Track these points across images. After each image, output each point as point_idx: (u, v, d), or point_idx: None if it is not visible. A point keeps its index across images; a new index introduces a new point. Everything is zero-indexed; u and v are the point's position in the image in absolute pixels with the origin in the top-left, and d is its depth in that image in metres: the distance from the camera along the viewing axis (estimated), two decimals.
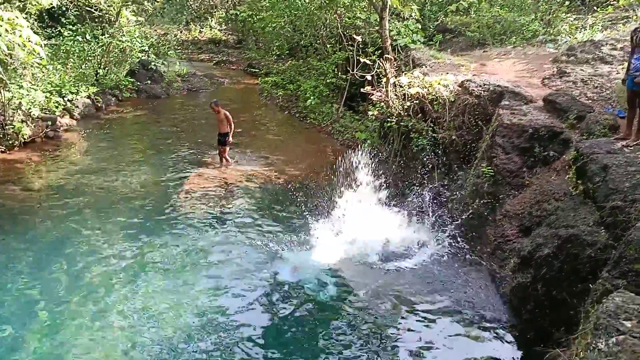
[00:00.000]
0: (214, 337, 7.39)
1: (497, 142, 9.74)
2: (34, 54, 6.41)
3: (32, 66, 16.42)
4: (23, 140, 15.14)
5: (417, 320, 7.91)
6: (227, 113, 14.07)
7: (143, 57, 24.62)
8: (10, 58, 14.92)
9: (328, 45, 20.71)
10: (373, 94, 12.66)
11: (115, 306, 8.02)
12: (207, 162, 14.35)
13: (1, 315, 7.71)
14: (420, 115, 12.02)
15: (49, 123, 16.40)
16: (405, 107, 11.92)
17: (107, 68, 22.54)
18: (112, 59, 23.04)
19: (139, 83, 23.62)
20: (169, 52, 27.87)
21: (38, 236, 10.17)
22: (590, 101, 10.51)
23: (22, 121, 15.18)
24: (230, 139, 14.25)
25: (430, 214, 11.38)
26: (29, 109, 15.44)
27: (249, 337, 7.41)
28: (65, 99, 18.30)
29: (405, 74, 12.44)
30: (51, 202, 11.74)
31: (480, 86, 11.12)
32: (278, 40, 27.36)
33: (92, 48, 21.56)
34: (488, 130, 10.43)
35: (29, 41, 7.04)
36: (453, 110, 11.43)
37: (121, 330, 7.46)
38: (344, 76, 18.30)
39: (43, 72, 17.72)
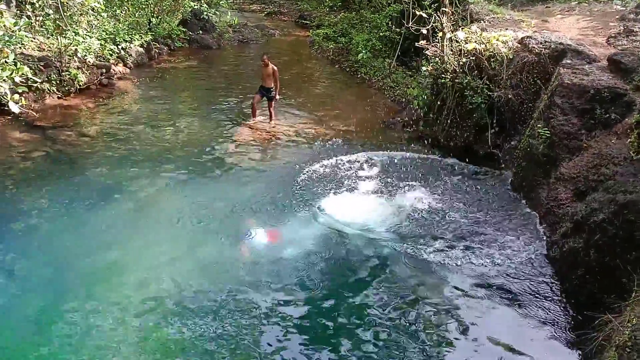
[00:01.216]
0: (256, 286, 7.55)
1: (556, 102, 9.41)
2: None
3: (87, 13, 16.58)
4: (78, 87, 15.41)
5: (461, 281, 7.86)
6: (275, 68, 13.70)
7: (195, 7, 24.52)
8: (67, 4, 15.11)
9: None
10: (428, 49, 12.34)
11: (160, 252, 8.26)
12: (256, 115, 14.32)
13: (57, 253, 8.06)
14: (475, 72, 11.69)
15: (103, 71, 16.63)
16: (461, 63, 11.60)
17: (160, 17, 22.56)
18: (165, 7, 23.02)
19: (190, 33, 23.60)
20: (220, 2, 27.68)
21: (90, 181, 10.44)
22: None
23: (78, 68, 15.44)
24: (277, 96, 14.02)
25: (482, 174, 11.26)
26: (85, 56, 15.68)
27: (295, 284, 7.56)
28: (119, 47, 18.48)
29: (462, 28, 12.04)
30: (103, 149, 11.98)
31: (541, 43, 10.70)
32: None
33: None
34: (547, 89, 10.08)
35: None
36: (511, 68, 11.07)
37: (169, 279, 7.67)
38: (397, 30, 17.82)
39: (98, 20, 17.89)
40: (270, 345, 6.52)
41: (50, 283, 7.42)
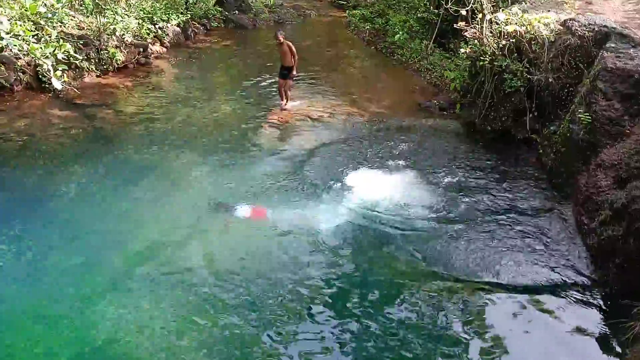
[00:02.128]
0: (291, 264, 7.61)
1: (598, 87, 9.15)
2: None
3: None
4: (116, 66, 15.62)
5: (495, 266, 7.78)
6: (291, 44, 13.19)
7: None
8: None
9: None
10: (466, 31, 12.10)
11: (191, 232, 8.39)
12: (290, 96, 14.27)
13: (90, 229, 8.26)
14: (515, 55, 11.44)
15: (141, 50, 16.80)
16: (501, 45, 11.35)
17: None
18: None
19: (226, 13, 23.64)
20: None
21: (126, 160, 10.63)
22: None
23: (116, 47, 15.63)
24: (295, 72, 13.50)
25: (518, 159, 11.09)
26: (123, 35, 15.87)
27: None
28: (157, 26, 18.63)
29: (502, 10, 11.75)
30: (140, 127, 12.16)
31: (585, 26, 10.38)
32: None
33: None
34: (589, 74, 9.79)
35: None
36: (552, 50, 10.79)
37: (198, 257, 7.80)
38: (435, 11, 17.54)
39: None
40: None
41: (83, 257, 7.62)
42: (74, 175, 9.84)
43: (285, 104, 13.60)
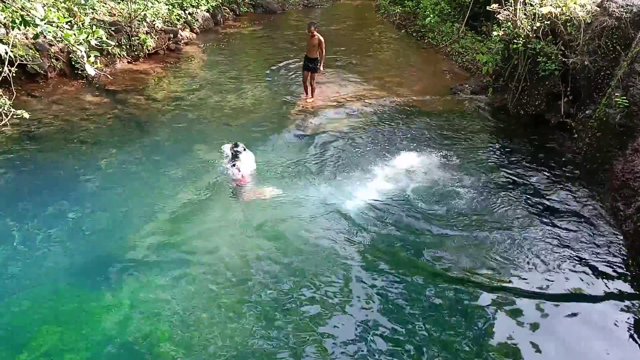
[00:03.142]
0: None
1: (636, 69, 8.93)
2: None
3: None
4: (147, 52, 15.77)
5: (526, 250, 7.68)
6: (322, 39, 12.83)
7: None
8: None
9: None
10: (499, 13, 11.86)
11: (218, 217, 8.44)
12: (315, 88, 14.11)
13: (121, 213, 8.41)
14: (550, 37, 11.19)
15: (171, 36, 16.91)
16: (535, 28, 11.09)
17: None
18: None
19: None
20: None
21: (157, 145, 10.73)
22: None
23: (147, 33, 15.76)
24: (322, 68, 13.16)
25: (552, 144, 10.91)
26: (153, 21, 15.98)
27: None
28: (186, 12, 18.74)
29: None
30: (170, 113, 12.27)
31: (622, 7, 10.08)
32: None
33: None
34: (627, 56, 9.53)
35: None
36: (588, 33, 10.51)
37: (226, 245, 7.86)
38: None
39: None
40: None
41: (112, 241, 7.76)
42: (105, 160, 9.97)
43: (309, 97, 13.34)
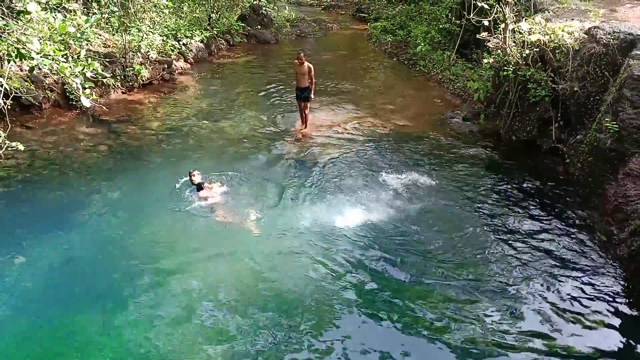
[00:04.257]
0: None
1: (625, 95, 9.05)
2: None
3: (150, 10, 17.02)
4: (141, 82, 15.87)
5: (518, 279, 7.67)
6: (311, 67, 12.79)
7: (254, 2, 24.81)
8: (131, 1, 15.52)
9: None
10: (489, 41, 12.05)
11: (218, 252, 8.42)
12: (312, 109, 14.23)
13: (114, 245, 8.36)
14: (539, 64, 11.36)
15: (165, 66, 17.04)
16: (524, 55, 11.28)
17: (219, 13, 22.93)
18: (224, 3, 23.36)
19: (249, 28, 23.94)
20: None
21: (152, 176, 10.74)
22: None
23: (141, 63, 15.88)
24: (312, 96, 13.14)
25: (544, 169, 10.98)
26: (147, 52, 16.13)
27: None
28: (181, 42, 18.93)
29: (525, 19, 11.68)
30: (165, 143, 12.29)
31: (610, 34, 10.28)
32: None
33: None
34: (615, 82, 9.68)
35: None
36: (577, 59, 10.69)
37: (228, 281, 7.83)
38: (458, 22, 17.52)
39: (160, 17, 18.34)
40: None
41: (105, 272, 7.71)
42: (98, 191, 9.96)
43: (303, 126, 13.35)
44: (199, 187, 9.60)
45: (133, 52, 15.69)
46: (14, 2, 4.56)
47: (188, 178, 9.76)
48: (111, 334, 6.45)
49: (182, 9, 21.21)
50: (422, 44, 19.13)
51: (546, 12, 13.16)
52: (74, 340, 6.39)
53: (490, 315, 6.92)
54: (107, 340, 6.35)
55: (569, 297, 7.30)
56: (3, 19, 4.88)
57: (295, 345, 6.36)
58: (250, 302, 7.06)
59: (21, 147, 6.63)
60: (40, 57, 4.79)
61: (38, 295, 7.14)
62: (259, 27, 24.38)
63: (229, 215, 9.27)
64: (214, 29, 21.65)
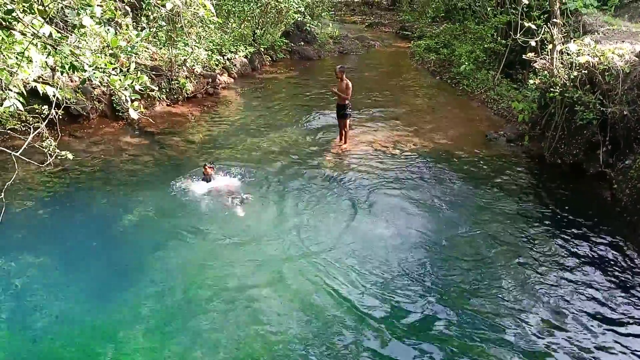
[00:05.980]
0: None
1: None
2: (210, 12, 6.71)
3: (197, 25, 17.36)
4: (186, 95, 16.20)
5: (557, 304, 7.45)
6: (350, 83, 12.70)
7: (298, 18, 25.04)
8: (178, 16, 15.87)
9: (488, 8, 19.71)
10: (536, 61, 11.86)
11: (253, 261, 8.44)
12: (352, 126, 14.15)
13: (156, 251, 8.47)
14: (588, 86, 11.09)
15: (209, 80, 17.33)
16: (572, 76, 11.04)
17: (264, 29, 23.22)
18: (269, 19, 23.65)
19: (292, 44, 24.17)
20: (322, 14, 28.15)
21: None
22: None
23: (186, 77, 16.21)
24: (349, 112, 13.05)
25: (591, 195, 10.68)
26: (193, 66, 16.45)
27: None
28: (225, 57, 19.25)
29: (574, 40, 11.47)
30: (207, 154, 12.43)
31: None
32: (434, 2, 26.59)
33: (252, 8, 22.23)
34: None
35: None
36: (627, 82, 10.42)
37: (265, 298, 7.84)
38: (503, 41, 17.36)
39: (206, 32, 18.69)
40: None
41: (144, 283, 7.80)
42: (141, 201, 10.13)
43: (343, 143, 13.29)
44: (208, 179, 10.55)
45: (179, 66, 16.02)
46: (68, 15, 4.67)
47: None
48: (156, 341, 6.52)
49: (228, 24, 21.55)
50: (466, 63, 18.96)
51: (595, 33, 12.91)
52: (116, 341, 6.49)
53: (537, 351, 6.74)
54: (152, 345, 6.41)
55: (608, 329, 7.05)
56: (59, 32, 5.01)
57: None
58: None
59: (70, 155, 6.77)
60: (92, 69, 4.90)
61: (80, 301, 7.27)
62: (302, 43, 24.60)
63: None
64: (258, 44, 21.93)
